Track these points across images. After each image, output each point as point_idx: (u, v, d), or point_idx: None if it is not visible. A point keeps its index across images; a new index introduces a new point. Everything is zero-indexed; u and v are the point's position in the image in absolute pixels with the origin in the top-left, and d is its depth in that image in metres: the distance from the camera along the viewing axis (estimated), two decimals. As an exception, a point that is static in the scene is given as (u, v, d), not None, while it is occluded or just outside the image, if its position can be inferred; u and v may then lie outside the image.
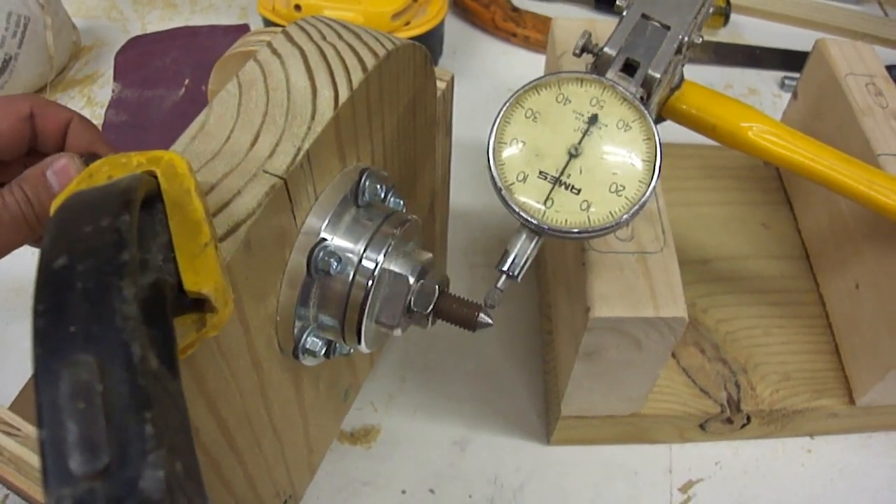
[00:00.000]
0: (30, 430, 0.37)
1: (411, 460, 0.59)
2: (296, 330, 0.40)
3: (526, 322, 0.67)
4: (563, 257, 0.55)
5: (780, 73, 0.91)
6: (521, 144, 0.41)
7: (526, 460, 0.59)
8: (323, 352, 0.41)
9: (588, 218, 0.40)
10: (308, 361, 0.41)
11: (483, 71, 0.90)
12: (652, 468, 0.59)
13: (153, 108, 0.80)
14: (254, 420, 0.40)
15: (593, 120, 0.41)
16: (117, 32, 0.92)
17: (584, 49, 0.45)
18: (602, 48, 0.44)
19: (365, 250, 0.39)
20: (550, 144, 0.41)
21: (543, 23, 0.91)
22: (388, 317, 0.41)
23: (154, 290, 0.26)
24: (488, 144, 0.41)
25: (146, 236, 0.28)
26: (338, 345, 0.42)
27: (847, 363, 0.60)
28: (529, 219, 0.40)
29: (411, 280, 0.41)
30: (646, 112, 0.41)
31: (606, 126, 0.41)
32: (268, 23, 0.81)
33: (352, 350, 0.43)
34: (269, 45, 0.40)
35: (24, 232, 0.38)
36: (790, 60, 0.92)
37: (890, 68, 0.65)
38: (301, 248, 0.38)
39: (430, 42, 0.83)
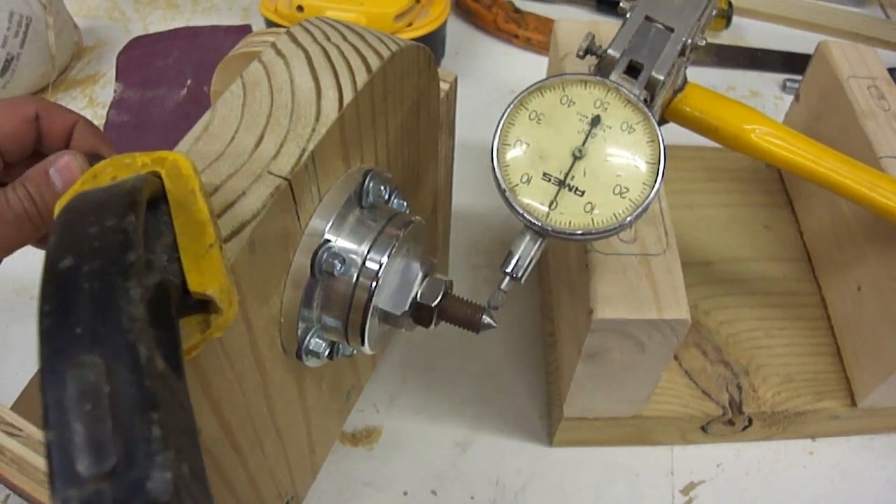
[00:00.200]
0: (32, 430, 0.37)
1: (413, 461, 0.58)
2: (299, 331, 0.40)
3: (528, 323, 0.67)
4: (566, 259, 0.55)
5: (782, 76, 0.91)
6: (524, 146, 0.41)
7: (528, 462, 0.59)
8: (326, 353, 0.41)
9: (592, 220, 0.40)
10: (311, 362, 0.41)
11: (485, 72, 0.90)
12: (653, 470, 0.59)
13: (155, 109, 0.80)
14: (257, 421, 0.40)
15: (596, 121, 0.41)
16: (119, 32, 0.92)
17: (588, 51, 0.45)
18: (606, 50, 0.44)
19: (369, 252, 0.39)
20: (554, 146, 0.41)
21: (545, 24, 0.91)
22: (392, 318, 0.41)
23: (159, 291, 0.26)
24: (492, 146, 0.41)
25: (151, 237, 0.28)
26: (341, 346, 0.42)
27: (849, 365, 0.60)
28: (533, 220, 0.40)
29: (415, 281, 0.41)
30: (650, 114, 0.41)
31: (610, 128, 0.41)
32: (270, 23, 0.81)
33: (355, 351, 0.43)
34: (274, 45, 0.40)
35: (27, 230, 0.38)
36: (792, 63, 0.92)
37: (892, 71, 0.65)
38: (305, 250, 0.38)
39: (433, 43, 0.83)
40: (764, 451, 0.60)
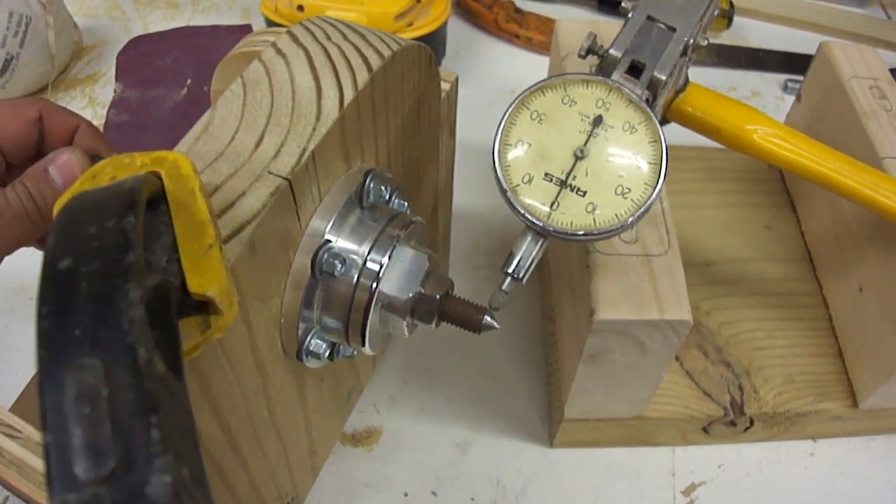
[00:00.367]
0: (31, 431, 0.37)
1: (413, 462, 0.58)
2: (299, 332, 0.39)
3: (529, 324, 0.66)
4: (567, 259, 0.55)
5: (783, 76, 0.91)
6: (526, 146, 0.41)
7: (528, 463, 0.59)
8: (327, 354, 0.41)
9: (594, 220, 0.39)
10: (311, 363, 0.41)
11: (486, 72, 0.90)
12: (655, 471, 0.59)
13: (155, 108, 0.80)
14: (257, 422, 0.40)
15: (598, 121, 0.41)
16: (119, 32, 0.92)
17: (590, 51, 0.45)
18: (607, 50, 0.44)
19: (369, 252, 0.39)
20: (556, 146, 0.41)
21: (546, 24, 0.91)
22: (393, 319, 0.41)
23: (158, 292, 0.26)
24: (493, 146, 0.41)
25: (150, 237, 0.28)
26: (341, 347, 0.42)
27: (850, 366, 0.60)
28: (535, 221, 0.40)
29: (416, 282, 0.41)
30: (652, 114, 0.41)
31: (612, 128, 0.41)
32: (270, 23, 0.81)
33: (355, 352, 0.43)
34: (274, 45, 0.40)
35: (27, 228, 0.38)
36: (793, 63, 0.92)
37: (894, 71, 0.64)
38: (305, 250, 0.37)
39: (433, 43, 0.83)
40: (765, 452, 0.60)
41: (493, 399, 0.62)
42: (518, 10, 0.93)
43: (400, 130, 0.45)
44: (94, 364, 0.19)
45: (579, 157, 0.40)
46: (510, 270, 0.41)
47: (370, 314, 0.39)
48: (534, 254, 0.41)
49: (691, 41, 0.45)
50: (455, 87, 0.52)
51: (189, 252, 0.28)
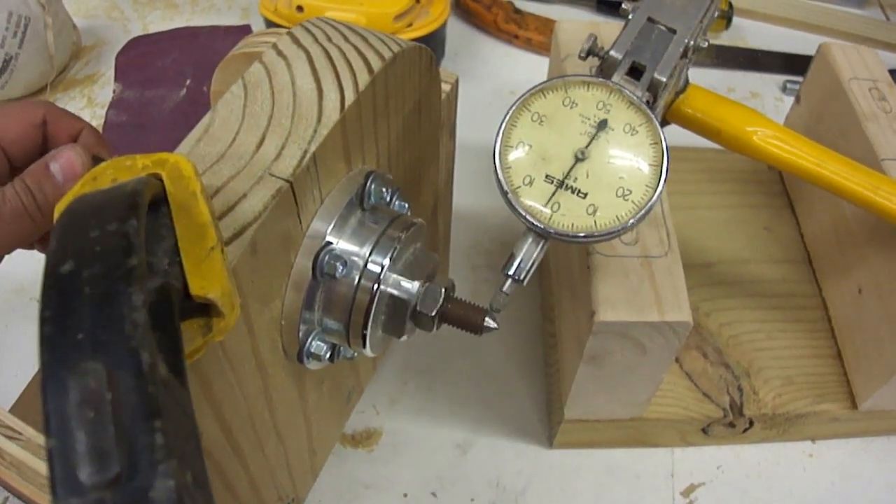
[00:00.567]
0: (31, 433, 0.36)
1: (413, 463, 0.58)
2: (300, 334, 0.39)
3: (529, 325, 0.66)
4: (568, 261, 0.55)
5: (783, 77, 0.91)
6: (527, 148, 0.41)
7: (528, 463, 0.59)
8: (327, 355, 0.41)
9: (594, 222, 0.39)
10: (312, 365, 0.41)
11: (485, 73, 0.90)
12: (654, 472, 0.59)
13: (154, 109, 0.80)
14: (258, 424, 0.40)
15: (602, 125, 0.41)
16: (118, 32, 0.91)
17: (590, 52, 0.45)
18: (608, 51, 0.44)
19: (370, 254, 0.39)
20: (557, 148, 0.41)
21: (545, 25, 0.91)
22: (394, 321, 0.41)
23: (161, 295, 0.26)
24: (494, 148, 0.41)
25: (152, 240, 0.28)
26: (342, 348, 0.42)
27: (850, 367, 0.60)
28: (535, 223, 0.40)
29: (417, 284, 0.41)
30: (652, 116, 0.41)
31: (613, 130, 0.41)
32: (269, 23, 0.81)
33: (356, 354, 0.43)
34: (275, 46, 0.40)
35: (26, 225, 0.38)
36: (792, 64, 0.92)
37: (893, 72, 0.65)
38: (306, 252, 0.37)
39: (433, 44, 0.83)
40: (764, 453, 0.60)
41: (493, 400, 0.62)
42: (517, 11, 0.93)
43: (400, 132, 0.45)
44: (97, 368, 0.19)
45: (580, 158, 0.40)
46: (511, 272, 0.41)
47: (371, 316, 0.39)
48: (534, 256, 0.41)
49: (692, 43, 0.45)
50: (455, 89, 0.52)
51: (190, 254, 0.28)
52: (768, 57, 0.93)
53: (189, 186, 0.29)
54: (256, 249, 0.33)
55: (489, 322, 0.42)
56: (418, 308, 0.41)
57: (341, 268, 0.38)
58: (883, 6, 1.02)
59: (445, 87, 0.50)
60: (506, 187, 0.40)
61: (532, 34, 0.91)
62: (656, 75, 0.44)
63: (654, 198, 0.40)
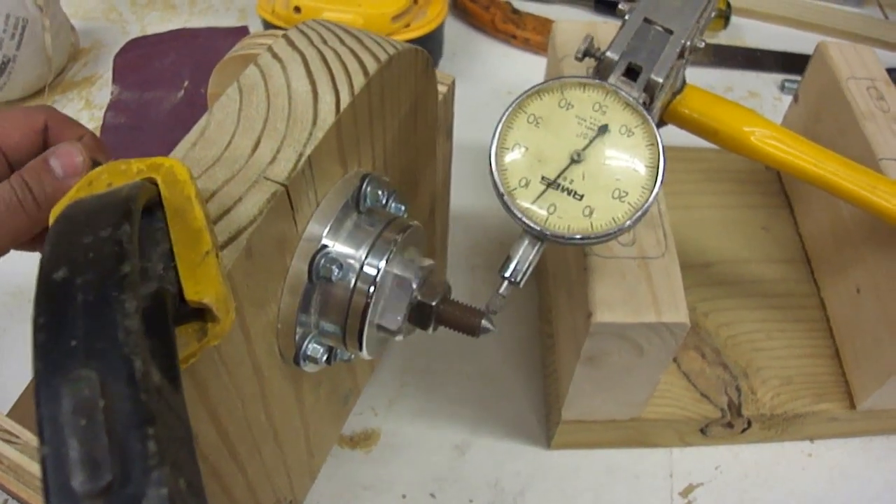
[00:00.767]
0: (29, 437, 0.37)
1: (412, 464, 0.58)
2: (297, 337, 0.39)
3: (526, 326, 0.66)
4: (565, 262, 0.55)
5: (781, 76, 0.91)
6: (523, 150, 0.41)
7: (526, 464, 0.59)
8: (324, 358, 0.41)
9: (591, 224, 0.39)
10: (309, 368, 0.41)
11: (483, 73, 0.90)
12: (652, 472, 0.59)
13: (152, 110, 0.80)
14: (254, 427, 0.40)
15: (603, 129, 0.41)
16: (116, 34, 0.91)
17: (587, 53, 0.45)
18: (604, 52, 0.44)
19: (367, 256, 0.39)
20: (553, 150, 0.41)
21: (543, 25, 0.91)
22: (390, 323, 0.41)
23: (155, 300, 0.26)
24: (490, 150, 0.41)
25: (146, 245, 0.28)
26: (339, 351, 0.42)
27: (848, 367, 0.60)
28: (532, 225, 0.40)
29: (413, 286, 0.41)
30: (649, 117, 0.41)
31: (609, 131, 0.41)
32: (267, 25, 0.81)
33: (353, 356, 0.43)
34: (270, 49, 0.40)
35: (21, 221, 0.37)
36: (790, 63, 0.92)
37: (891, 71, 0.65)
38: (302, 255, 0.37)
39: (430, 44, 0.83)
40: (762, 454, 0.60)
41: (491, 401, 0.62)
42: (515, 11, 0.93)
43: (397, 134, 0.45)
44: (90, 376, 0.19)
45: (576, 160, 0.40)
46: (507, 274, 0.41)
47: (367, 319, 0.39)
48: (531, 257, 0.41)
49: (688, 43, 0.45)
50: (452, 90, 0.52)
51: (185, 259, 0.28)
52: (766, 56, 0.93)
53: (184, 191, 0.29)
54: (252, 253, 0.33)
55: (486, 324, 0.42)
56: (416, 308, 0.41)
57: (337, 271, 0.38)
58: (881, 5, 1.02)
59: (442, 89, 0.50)
60: (502, 189, 0.40)
61: (530, 34, 0.91)
62: (653, 76, 0.44)
63: (651, 199, 0.40)
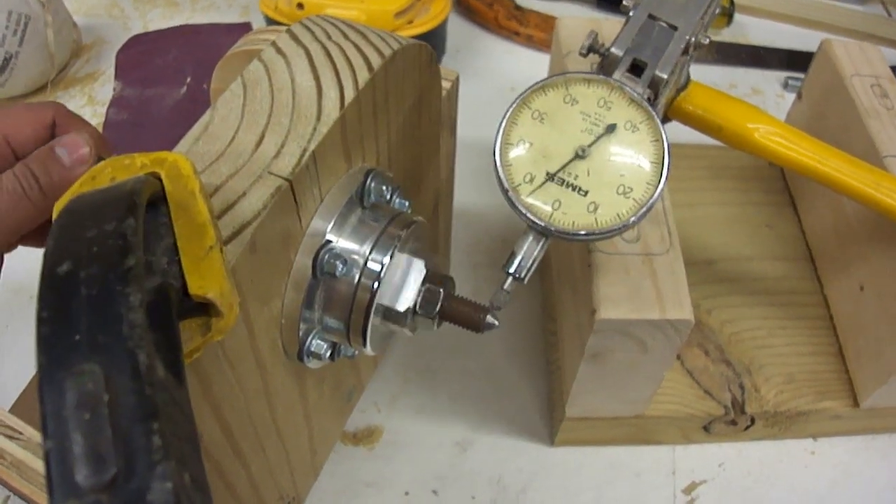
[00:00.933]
0: (31, 433, 0.37)
1: (414, 461, 0.58)
2: (300, 332, 0.39)
3: (530, 322, 0.66)
4: (569, 258, 0.55)
5: (784, 74, 0.90)
6: (527, 145, 0.41)
7: (529, 461, 0.59)
8: (328, 354, 0.41)
9: (595, 220, 0.39)
10: (313, 364, 0.41)
11: (486, 70, 0.90)
12: (655, 469, 0.59)
13: (154, 107, 0.80)
14: (258, 423, 0.39)
15: (611, 129, 0.41)
16: (118, 30, 0.91)
17: (591, 49, 0.45)
18: (609, 48, 0.44)
19: (371, 252, 0.39)
20: (557, 145, 0.41)
21: (546, 21, 0.91)
22: (394, 319, 0.41)
23: (159, 295, 0.26)
24: (495, 145, 0.41)
25: (150, 239, 0.27)
26: (342, 347, 0.42)
27: (851, 365, 0.59)
28: (536, 221, 0.40)
29: (417, 282, 0.41)
30: (653, 113, 0.41)
31: (616, 130, 0.41)
32: (270, 21, 0.81)
33: (357, 352, 0.43)
34: (274, 44, 0.40)
35: (27, 209, 0.37)
36: (794, 60, 0.92)
37: (895, 69, 0.64)
38: (306, 250, 0.37)
39: (433, 41, 0.83)
40: (766, 451, 0.60)
41: (494, 398, 0.62)
42: (518, 8, 0.92)
43: (401, 129, 0.45)
44: (94, 369, 0.19)
45: (581, 156, 0.40)
46: (512, 270, 0.41)
47: (371, 314, 0.39)
48: (535, 253, 0.41)
49: (693, 39, 0.45)
50: (456, 86, 0.52)
51: (189, 254, 0.28)
52: (770, 53, 0.93)
53: (188, 185, 0.29)
54: (256, 248, 0.33)
55: (490, 320, 0.42)
56: (420, 304, 0.41)
57: (341, 266, 0.38)
58: (885, 2, 1.01)
59: (446, 85, 0.50)
60: (506, 185, 0.40)
61: (533, 31, 0.91)
62: (657, 72, 0.43)
63: (656, 195, 0.39)
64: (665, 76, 0.43)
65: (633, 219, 0.39)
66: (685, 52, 0.45)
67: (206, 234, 0.28)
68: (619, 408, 0.55)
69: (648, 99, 0.43)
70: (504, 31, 0.92)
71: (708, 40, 0.47)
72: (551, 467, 0.58)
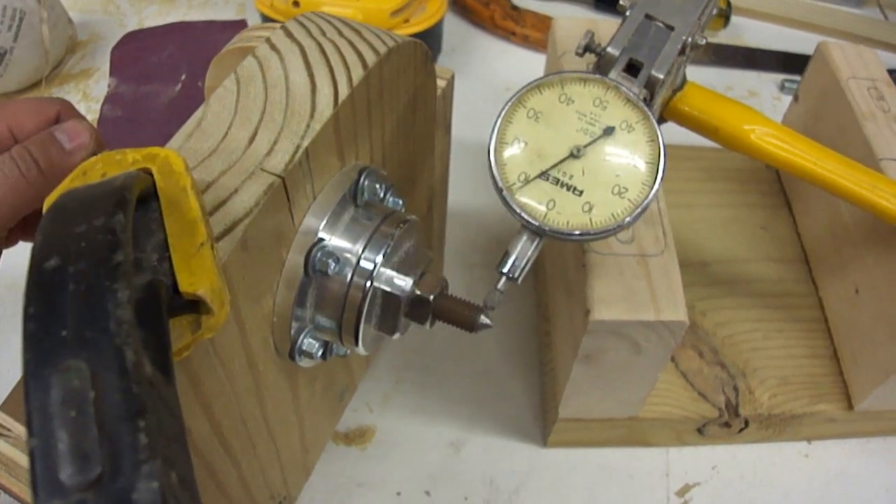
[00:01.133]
0: (21, 430, 0.36)
1: (407, 461, 0.58)
2: (292, 331, 0.39)
3: (524, 323, 0.66)
4: (563, 258, 0.54)
5: (780, 76, 0.90)
6: (522, 145, 0.41)
7: (522, 462, 0.58)
8: (320, 353, 0.40)
9: (590, 220, 0.39)
10: (304, 363, 0.41)
11: (482, 69, 0.89)
12: (649, 472, 0.59)
13: (149, 104, 0.79)
14: (249, 422, 0.39)
15: (609, 131, 0.40)
16: (114, 27, 0.91)
17: (587, 49, 0.45)
18: (605, 48, 0.44)
19: (363, 250, 0.39)
20: (552, 145, 0.41)
21: (543, 21, 0.91)
22: (387, 318, 0.40)
23: (148, 292, 0.25)
24: (489, 144, 0.41)
25: (141, 235, 0.27)
26: (335, 346, 0.42)
27: (846, 368, 0.59)
28: (531, 220, 0.39)
29: (410, 281, 0.40)
30: (649, 113, 0.41)
31: (614, 132, 0.41)
32: (265, 18, 0.81)
33: (349, 351, 0.43)
34: (268, 41, 0.39)
35: (24, 190, 0.37)
36: (790, 63, 0.92)
37: (892, 72, 0.64)
38: (299, 248, 0.37)
39: (429, 40, 0.82)
40: (759, 454, 0.60)
41: (487, 398, 0.62)
42: (515, 7, 0.92)
43: (395, 128, 0.45)
44: (80, 366, 0.19)
45: (576, 155, 0.40)
46: (505, 270, 0.41)
47: (364, 313, 0.39)
48: (529, 253, 0.41)
49: (689, 40, 0.45)
50: (451, 85, 0.51)
51: (180, 250, 0.27)
52: (766, 55, 0.93)
53: (179, 181, 0.29)
54: (248, 245, 0.32)
55: (483, 319, 0.41)
56: (413, 303, 0.41)
57: (334, 264, 0.38)
58: (881, 6, 1.01)
59: (441, 83, 0.50)
60: (501, 184, 0.40)
61: (529, 31, 0.90)
62: (653, 72, 0.43)
63: (651, 196, 0.39)
64: (661, 76, 0.43)
65: (627, 219, 0.39)
66: (682, 52, 0.45)
67: (198, 231, 0.28)
68: (612, 409, 0.55)
69: (644, 99, 0.43)
70: (500, 31, 0.92)
71: (705, 41, 0.47)
72: (544, 468, 0.58)
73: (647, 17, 0.45)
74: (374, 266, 0.39)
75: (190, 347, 0.29)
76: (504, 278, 0.41)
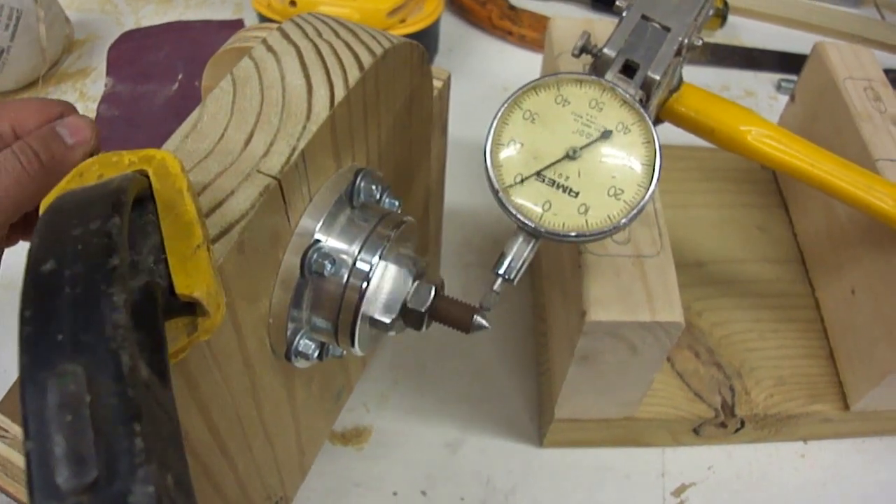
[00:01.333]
0: (17, 431, 0.36)
1: (403, 462, 0.58)
2: (289, 332, 0.39)
3: (520, 324, 0.66)
4: (559, 259, 0.55)
5: (777, 76, 0.90)
6: (518, 146, 0.41)
7: (518, 463, 0.59)
8: (316, 354, 0.40)
9: (586, 221, 0.39)
10: (301, 364, 0.41)
11: (479, 69, 0.89)
12: (645, 472, 0.59)
13: (146, 103, 0.79)
14: (245, 423, 0.39)
15: (606, 135, 0.40)
16: (111, 26, 0.91)
17: (584, 50, 0.45)
18: (601, 49, 0.44)
19: (360, 252, 0.39)
20: (548, 146, 0.41)
21: (540, 22, 0.91)
22: (383, 319, 0.40)
23: (145, 294, 0.25)
24: (485, 146, 0.41)
25: (137, 237, 0.27)
26: (331, 347, 0.42)
27: (842, 368, 0.59)
28: (526, 222, 0.39)
29: (406, 282, 0.40)
30: (645, 115, 0.41)
31: (611, 135, 0.41)
32: (262, 18, 0.81)
33: (345, 352, 0.43)
34: (265, 41, 0.39)
35: (26, 184, 0.36)
36: (787, 63, 0.92)
37: (888, 72, 0.64)
38: (295, 250, 0.37)
39: (426, 40, 0.82)
40: (755, 454, 0.60)
41: (484, 399, 0.62)
42: (512, 8, 0.92)
43: (391, 129, 0.45)
44: (76, 370, 0.19)
45: (571, 157, 0.40)
46: (501, 271, 0.41)
47: (360, 315, 0.39)
48: (525, 255, 0.41)
49: (686, 41, 0.45)
50: (447, 86, 0.52)
51: (176, 252, 0.27)
52: (763, 55, 0.93)
53: (175, 183, 0.29)
54: (244, 247, 0.32)
55: (479, 320, 0.41)
56: (409, 304, 0.41)
57: (330, 266, 0.38)
58: (878, 5, 1.02)
59: (437, 84, 0.50)
60: (496, 185, 0.40)
61: (526, 31, 0.90)
62: (650, 73, 0.43)
63: (647, 197, 0.39)
64: (657, 77, 0.43)
65: (623, 220, 0.39)
66: (678, 53, 0.45)
67: (194, 233, 0.28)
68: (608, 410, 0.55)
69: (640, 100, 0.43)
70: (497, 31, 0.92)
71: (701, 42, 0.47)
72: (540, 469, 0.58)
73: (644, 17, 0.45)
74: (371, 267, 0.39)
75: (186, 349, 0.29)
76: (500, 279, 0.41)
